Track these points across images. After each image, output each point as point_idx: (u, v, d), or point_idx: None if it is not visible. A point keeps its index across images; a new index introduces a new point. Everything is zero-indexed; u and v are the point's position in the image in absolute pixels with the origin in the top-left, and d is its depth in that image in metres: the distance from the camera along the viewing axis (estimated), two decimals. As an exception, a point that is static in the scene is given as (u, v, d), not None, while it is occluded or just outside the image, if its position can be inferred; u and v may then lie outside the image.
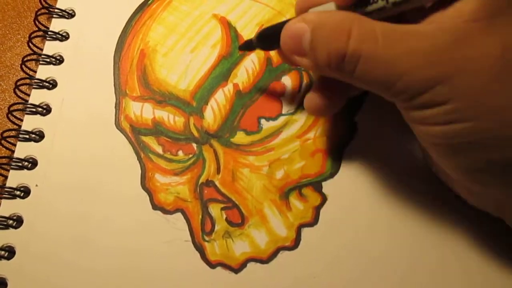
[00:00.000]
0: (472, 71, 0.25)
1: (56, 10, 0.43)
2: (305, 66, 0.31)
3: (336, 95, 0.33)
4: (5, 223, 0.37)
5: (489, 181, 0.28)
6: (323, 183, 0.37)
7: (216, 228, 0.37)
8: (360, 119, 0.39)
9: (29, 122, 0.40)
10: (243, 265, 0.36)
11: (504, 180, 0.27)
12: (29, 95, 0.41)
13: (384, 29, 0.26)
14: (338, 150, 0.38)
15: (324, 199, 0.37)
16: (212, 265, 0.36)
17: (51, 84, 0.41)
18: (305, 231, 0.36)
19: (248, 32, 0.42)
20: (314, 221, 0.36)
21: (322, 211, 0.37)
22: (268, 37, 0.34)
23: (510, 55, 0.24)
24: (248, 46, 0.37)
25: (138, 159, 0.38)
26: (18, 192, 0.38)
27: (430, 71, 0.25)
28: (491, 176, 0.28)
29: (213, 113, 0.39)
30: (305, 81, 0.40)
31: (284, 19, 0.42)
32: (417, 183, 0.36)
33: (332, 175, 0.38)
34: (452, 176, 0.30)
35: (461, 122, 0.25)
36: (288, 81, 0.40)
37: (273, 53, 0.41)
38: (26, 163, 0.38)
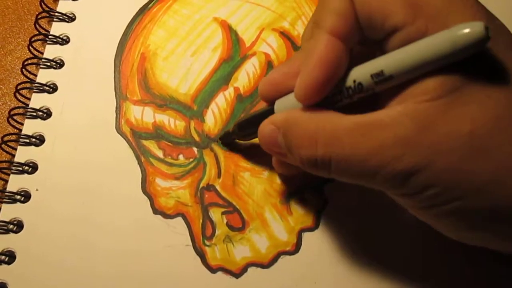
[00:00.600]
0: (443, 154, 0.24)
1: (56, 14, 0.43)
2: (290, 162, 0.31)
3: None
4: (6, 228, 0.37)
5: (492, 244, 0.28)
6: (324, 187, 0.37)
7: (217, 232, 0.36)
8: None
9: (30, 126, 0.39)
10: (243, 270, 0.35)
11: (508, 243, 0.27)
12: (29, 99, 0.40)
13: (348, 127, 0.26)
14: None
15: (324, 203, 0.37)
16: (212, 269, 0.36)
17: (52, 88, 0.41)
18: (306, 236, 0.36)
19: (249, 36, 0.42)
20: (314, 226, 0.36)
21: (322, 215, 0.37)
22: (246, 129, 0.35)
23: (478, 130, 0.23)
24: (227, 138, 0.38)
25: (138, 163, 0.38)
26: (18, 197, 0.37)
27: (399, 166, 0.24)
28: (492, 241, 0.28)
29: (214, 117, 0.39)
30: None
31: (285, 22, 0.42)
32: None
33: (332, 179, 0.37)
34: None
35: (447, 203, 0.25)
36: (289, 84, 0.40)
37: (274, 57, 0.41)
38: (26, 168, 0.38)
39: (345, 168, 0.27)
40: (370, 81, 0.25)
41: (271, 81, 0.31)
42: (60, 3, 0.44)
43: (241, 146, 0.39)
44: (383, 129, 0.25)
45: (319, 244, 0.36)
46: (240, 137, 0.37)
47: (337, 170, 0.27)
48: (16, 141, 0.39)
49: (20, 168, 0.38)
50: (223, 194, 0.37)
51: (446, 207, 0.25)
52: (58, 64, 0.41)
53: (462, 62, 0.23)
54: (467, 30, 0.22)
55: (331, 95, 0.27)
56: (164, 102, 0.40)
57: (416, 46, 0.24)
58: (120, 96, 0.40)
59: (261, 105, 0.38)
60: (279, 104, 0.31)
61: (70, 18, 0.43)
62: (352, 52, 0.27)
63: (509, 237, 0.26)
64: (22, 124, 0.40)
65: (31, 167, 0.38)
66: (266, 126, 0.31)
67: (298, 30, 0.42)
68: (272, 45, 0.41)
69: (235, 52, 0.41)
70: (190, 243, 0.36)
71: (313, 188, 0.37)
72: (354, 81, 0.26)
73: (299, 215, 0.37)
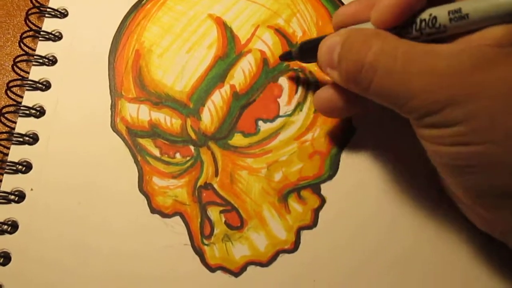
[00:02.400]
0: (489, 95, 0.24)
1: (48, 10, 0.42)
2: (335, 79, 0.31)
3: (353, 101, 0.33)
4: (0, 229, 0.36)
5: (493, 205, 0.28)
6: (322, 185, 0.37)
7: (215, 231, 0.36)
8: (358, 120, 0.39)
9: (23, 125, 0.39)
10: (243, 269, 0.35)
11: (508, 207, 0.27)
12: (21, 97, 0.40)
13: (406, 47, 0.27)
14: (336, 152, 0.38)
15: (323, 201, 0.37)
16: (212, 269, 0.35)
17: (45, 86, 0.40)
18: (305, 234, 0.36)
19: (244, 33, 0.41)
20: (313, 224, 0.36)
21: (321, 213, 0.37)
22: (308, 51, 0.35)
23: None
24: (288, 57, 0.38)
25: (135, 162, 0.38)
26: (12, 197, 0.37)
27: (442, 93, 0.25)
28: (494, 201, 0.27)
29: (210, 114, 0.39)
30: (302, 82, 0.40)
31: (280, 19, 0.42)
32: (416, 184, 0.37)
33: (330, 177, 0.38)
34: (459, 196, 0.31)
35: (470, 145, 0.25)
36: (285, 82, 0.40)
37: (269, 54, 0.41)
38: (20, 167, 0.38)
39: (386, 84, 0.27)
40: (446, 17, 0.26)
41: (345, 11, 0.32)
42: (51, -2, 0.43)
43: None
44: (439, 58, 0.25)
45: (318, 242, 0.36)
46: (300, 59, 0.37)
47: (378, 84, 0.27)
48: (9, 139, 0.38)
49: (14, 168, 0.37)
50: (221, 192, 0.37)
51: (470, 148, 0.25)
52: (51, 61, 0.41)
53: None
54: None
55: (404, 25, 0.28)
56: (160, 100, 0.39)
57: None
58: (115, 93, 0.40)
59: (260, 102, 0.39)
60: None
61: (62, 14, 0.42)
62: None
63: None
64: (15, 123, 0.39)
65: (25, 167, 0.38)
66: (329, 37, 0.31)
67: (293, 27, 0.42)
68: (267, 42, 0.41)
69: (230, 49, 0.41)
70: (189, 242, 0.36)
71: (311, 186, 0.37)
72: (430, 14, 0.27)
73: (297, 213, 0.37)
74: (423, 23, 0.27)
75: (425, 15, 0.27)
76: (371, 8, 0.29)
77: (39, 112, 0.39)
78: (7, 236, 0.36)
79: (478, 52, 0.25)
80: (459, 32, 0.27)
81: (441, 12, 0.27)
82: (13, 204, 0.37)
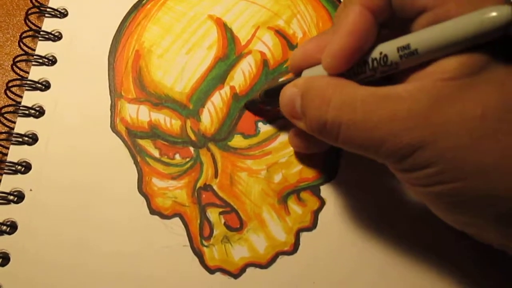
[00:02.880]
0: (452, 133, 0.24)
1: (48, 9, 0.42)
2: (303, 128, 0.31)
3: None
4: (-1, 229, 0.36)
5: (487, 231, 0.28)
6: (321, 187, 0.37)
7: (215, 233, 0.36)
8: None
9: (22, 125, 0.39)
10: (242, 270, 0.35)
11: (499, 231, 0.27)
12: (21, 97, 0.40)
13: (364, 95, 0.26)
14: (336, 154, 0.38)
15: (322, 203, 0.37)
16: (211, 270, 0.35)
17: (44, 86, 0.40)
18: (304, 236, 0.36)
19: (244, 34, 0.41)
20: (312, 226, 0.36)
21: (320, 215, 0.37)
22: (272, 96, 0.35)
23: (490, 114, 0.24)
24: (252, 104, 0.39)
25: (134, 162, 0.38)
26: (11, 197, 0.37)
27: (407, 137, 0.25)
28: (486, 228, 0.28)
29: (210, 116, 0.39)
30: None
31: (280, 20, 0.42)
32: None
33: (330, 179, 0.38)
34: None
35: (446, 183, 0.25)
36: (285, 84, 0.40)
37: (270, 55, 0.41)
38: (19, 167, 0.38)
39: (353, 136, 0.27)
40: (396, 54, 0.26)
41: (302, 52, 0.32)
42: (51, -3, 0.43)
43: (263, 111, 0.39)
44: (398, 102, 0.25)
45: (317, 244, 0.36)
46: (265, 104, 0.37)
47: (345, 136, 0.27)
48: (9, 140, 0.38)
49: (13, 168, 0.37)
50: (221, 194, 0.37)
51: (446, 187, 0.25)
52: (51, 61, 0.41)
53: (484, 45, 0.24)
54: (494, 14, 0.22)
55: (356, 66, 0.28)
56: (160, 101, 0.39)
57: (444, 25, 0.24)
58: (115, 94, 0.40)
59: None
60: (306, 74, 0.32)
61: (62, 14, 0.42)
62: (380, 31, 0.28)
63: (504, 226, 0.26)
64: (14, 123, 0.39)
65: (24, 167, 0.38)
66: (288, 88, 0.31)
67: (293, 28, 0.42)
68: (267, 44, 0.41)
69: (230, 50, 0.41)
70: (188, 244, 0.36)
71: (310, 188, 0.37)
72: (381, 53, 0.27)
73: (297, 215, 0.37)
74: (375, 62, 0.27)
75: (375, 53, 0.27)
76: (322, 48, 0.29)
77: (39, 112, 0.39)
78: (6, 236, 0.36)
79: (434, 90, 0.25)
80: (413, 65, 0.26)
81: (390, 49, 0.26)
82: (12, 204, 0.37)
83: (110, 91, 0.40)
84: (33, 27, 0.42)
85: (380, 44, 0.27)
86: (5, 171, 0.37)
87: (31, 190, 0.37)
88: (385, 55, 0.27)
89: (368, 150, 0.27)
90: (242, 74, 0.40)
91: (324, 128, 0.28)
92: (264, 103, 0.37)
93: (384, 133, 0.26)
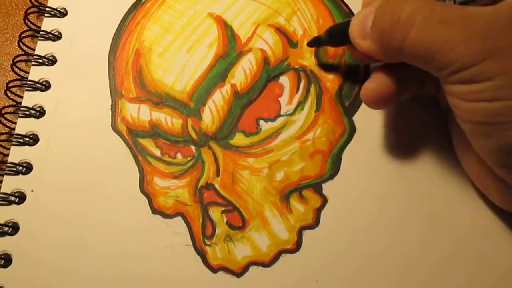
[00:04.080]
0: None
1: (47, 9, 0.42)
2: (366, 49, 0.32)
3: (395, 86, 0.33)
4: (1, 230, 0.36)
5: None
6: (323, 185, 0.37)
7: (217, 231, 0.36)
8: (359, 119, 0.39)
9: (23, 125, 0.39)
10: (245, 269, 0.35)
11: None
12: (21, 97, 0.39)
13: (444, 5, 0.27)
14: (338, 151, 0.38)
15: (324, 200, 0.37)
16: (214, 269, 0.35)
17: (44, 86, 0.40)
18: (306, 234, 0.36)
19: (244, 31, 0.41)
20: (315, 223, 0.36)
21: (322, 213, 0.37)
22: (338, 33, 0.35)
23: None
24: (317, 42, 0.39)
25: (136, 162, 0.38)
26: (13, 198, 0.37)
27: (480, 46, 0.25)
28: None
29: (211, 114, 0.39)
30: (303, 81, 0.40)
31: (280, 18, 0.42)
32: (418, 183, 0.36)
33: (332, 176, 0.37)
34: (486, 160, 0.30)
35: (503, 100, 0.25)
36: (286, 81, 0.40)
37: (270, 53, 0.40)
38: (20, 168, 0.37)
39: (426, 35, 0.27)
40: None
41: None
42: (50, -3, 0.43)
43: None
44: (477, 15, 0.26)
45: (320, 241, 0.36)
46: (329, 43, 0.38)
47: (417, 35, 0.27)
48: (9, 140, 0.38)
49: (14, 169, 0.37)
50: (223, 192, 0.37)
51: (502, 104, 0.26)
52: (51, 60, 0.41)
53: None
54: None
55: None
56: (160, 100, 0.39)
57: None
58: (115, 93, 0.40)
59: (261, 102, 0.38)
60: None
61: (62, 13, 0.42)
62: None
63: None
64: (15, 123, 0.39)
65: (25, 167, 0.37)
66: (363, 10, 0.32)
67: (294, 25, 0.41)
68: (268, 41, 0.41)
69: (231, 48, 0.41)
70: (191, 243, 0.36)
71: (312, 186, 0.37)
72: None
73: (299, 213, 0.37)
74: None
75: None
76: None
77: (39, 112, 0.39)
78: (8, 237, 0.36)
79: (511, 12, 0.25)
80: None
81: None
82: (13, 205, 0.37)
83: (111, 91, 0.40)
84: (33, 26, 0.42)
85: None
86: (6, 172, 0.37)
87: (32, 190, 0.37)
88: None
89: (434, 55, 0.27)
90: (243, 72, 0.40)
91: (395, 26, 0.28)
92: (328, 42, 0.38)
93: (458, 38, 0.26)
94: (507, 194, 0.32)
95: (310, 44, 0.40)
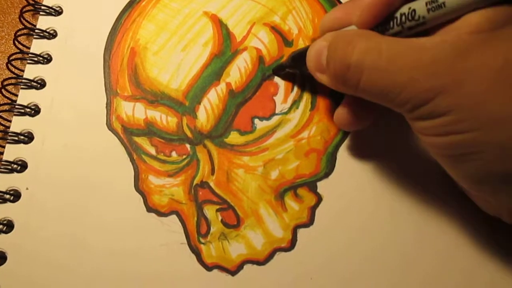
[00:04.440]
0: (471, 82, 0.25)
1: (42, 7, 0.42)
2: (326, 83, 0.32)
3: (364, 112, 0.35)
4: (-4, 228, 0.36)
5: (493, 191, 0.29)
6: (318, 183, 0.37)
7: (212, 230, 0.36)
8: (354, 118, 0.39)
9: (18, 123, 0.39)
10: (239, 267, 0.35)
11: (507, 192, 0.28)
12: (16, 95, 0.39)
13: (390, 43, 0.27)
14: (333, 150, 0.38)
15: (319, 199, 0.37)
16: (208, 267, 0.35)
17: (40, 84, 0.40)
18: (301, 232, 0.36)
19: (239, 30, 0.41)
20: (309, 222, 0.36)
21: (317, 211, 0.37)
22: (299, 59, 0.36)
23: (510, 66, 0.25)
24: (280, 69, 0.40)
25: (131, 160, 0.38)
26: (8, 196, 0.37)
27: (429, 83, 0.26)
28: (495, 186, 0.28)
29: (206, 113, 0.39)
30: (297, 80, 0.40)
31: (275, 17, 0.42)
32: (413, 181, 0.37)
33: (326, 175, 0.38)
34: (461, 185, 0.31)
35: (461, 133, 0.26)
36: (281, 80, 0.40)
37: (265, 52, 0.40)
38: (15, 166, 0.37)
39: (375, 80, 0.28)
40: (424, 8, 0.27)
41: (331, 18, 0.34)
42: (46, -4, 0.43)
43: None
44: (422, 50, 0.26)
45: (314, 240, 0.36)
46: (291, 67, 0.38)
47: (367, 81, 0.28)
48: (4, 138, 0.38)
49: (9, 167, 0.37)
50: (217, 191, 0.37)
51: (461, 137, 0.26)
52: (46, 59, 0.40)
53: (509, 0, 0.25)
54: None
55: (384, 21, 0.29)
56: (156, 98, 0.39)
57: None
58: (110, 91, 0.40)
59: (256, 100, 0.38)
60: None
61: (57, 12, 0.42)
62: None
63: None
64: (10, 121, 0.39)
65: (20, 166, 0.37)
66: (317, 42, 0.32)
67: (289, 24, 0.41)
68: (263, 40, 0.41)
69: (226, 47, 0.41)
70: (185, 241, 0.36)
71: (307, 184, 0.37)
72: (409, 8, 0.28)
73: (294, 211, 0.37)
74: (403, 17, 0.28)
75: (404, 9, 0.28)
76: (353, 13, 0.31)
77: (34, 110, 0.39)
78: (2, 235, 0.36)
79: (458, 41, 0.26)
80: (439, 22, 0.27)
81: (419, 4, 0.28)
82: (8, 203, 0.37)
83: (106, 89, 0.40)
84: (28, 25, 0.41)
85: (409, 3, 0.28)
86: (1, 170, 0.37)
87: (27, 189, 0.37)
88: (413, 10, 0.28)
89: (387, 96, 0.28)
90: (238, 71, 0.40)
91: (347, 72, 0.29)
92: (290, 67, 0.38)
93: (407, 78, 0.26)
94: (490, 203, 0.32)
95: (274, 71, 0.40)
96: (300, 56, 0.36)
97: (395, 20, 0.29)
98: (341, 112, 0.35)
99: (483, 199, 0.32)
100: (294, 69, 0.39)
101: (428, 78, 0.26)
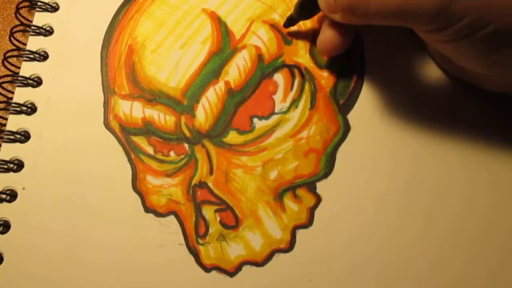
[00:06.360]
0: None
1: (39, 3, 0.41)
2: (340, 21, 0.33)
3: (346, 31, 0.36)
4: (-8, 228, 0.36)
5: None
6: (317, 184, 0.37)
7: (210, 230, 0.36)
8: (354, 118, 0.38)
9: (14, 122, 0.38)
10: (238, 268, 0.35)
11: None
12: (12, 93, 0.39)
13: None
14: (332, 150, 0.38)
15: (318, 199, 0.37)
16: (207, 269, 0.35)
17: (36, 82, 0.39)
18: (300, 233, 0.36)
19: (238, 28, 0.41)
20: (308, 223, 0.36)
21: (316, 212, 0.36)
22: (306, 6, 0.36)
23: None
24: (291, 21, 0.39)
25: (128, 160, 0.38)
26: (4, 196, 0.36)
27: None
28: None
29: (204, 112, 0.39)
30: (297, 78, 0.39)
31: (275, 14, 0.41)
32: (412, 182, 0.36)
33: (326, 175, 0.37)
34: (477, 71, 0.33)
35: (481, 29, 0.28)
36: (280, 79, 0.39)
37: (264, 50, 0.40)
38: (11, 165, 0.37)
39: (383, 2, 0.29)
40: None
41: None
42: (42, -9, 0.42)
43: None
44: None
45: (313, 241, 0.36)
46: (302, 17, 0.38)
47: (376, 8, 0.29)
48: (0, 137, 0.38)
49: (5, 166, 0.37)
50: (216, 191, 0.37)
51: (480, 33, 0.28)
52: (42, 56, 0.40)
53: None
54: None
55: None
56: (154, 97, 0.39)
57: None
58: (108, 90, 0.39)
59: (255, 99, 0.38)
60: None
61: (53, 8, 0.42)
62: None
63: None
64: (6, 119, 0.38)
65: (17, 165, 0.37)
66: None
67: (289, 22, 0.41)
68: (262, 38, 0.40)
69: (225, 45, 0.40)
70: (183, 242, 0.36)
71: (306, 185, 0.37)
72: None
73: (293, 212, 0.36)
74: None
75: None
76: None
77: (31, 109, 0.39)
78: (-1, 236, 0.36)
79: None
80: None
81: None
82: (4, 203, 0.36)
83: (103, 87, 0.39)
84: (24, 21, 0.41)
85: None
86: (-3, 169, 0.37)
87: (24, 188, 0.37)
88: None
89: (407, 12, 0.29)
90: (237, 69, 0.40)
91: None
92: (301, 16, 0.38)
93: None
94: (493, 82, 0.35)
95: (285, 25, 0.40)
96: (307, 3, 0.36)
97: None
98: (324, 36, 0.36)
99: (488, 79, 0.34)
100: (304, 18, 0.39)
101: None
